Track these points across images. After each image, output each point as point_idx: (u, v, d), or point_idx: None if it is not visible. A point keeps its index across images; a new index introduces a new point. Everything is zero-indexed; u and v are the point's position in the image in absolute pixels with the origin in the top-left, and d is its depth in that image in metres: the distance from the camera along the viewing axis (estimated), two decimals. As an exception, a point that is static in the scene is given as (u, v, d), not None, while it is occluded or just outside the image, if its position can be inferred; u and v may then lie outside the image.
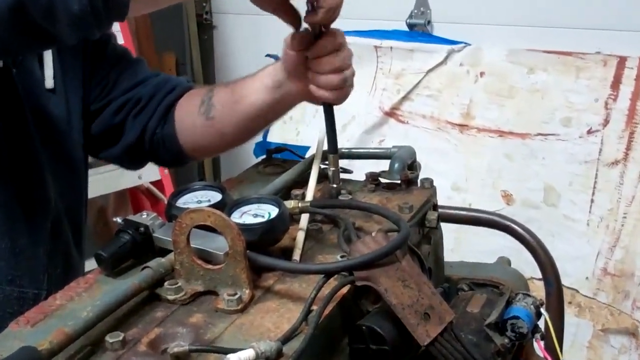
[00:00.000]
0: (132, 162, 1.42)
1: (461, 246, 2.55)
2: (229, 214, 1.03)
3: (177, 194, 1.12)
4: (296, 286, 0.97)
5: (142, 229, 1.03)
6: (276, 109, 1.27)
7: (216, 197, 1.11)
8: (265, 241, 1.01)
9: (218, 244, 0.96)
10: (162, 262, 0.97)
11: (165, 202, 1.11)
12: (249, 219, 1.03)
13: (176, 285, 0.94)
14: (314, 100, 1.23)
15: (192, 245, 0.95)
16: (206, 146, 1.36)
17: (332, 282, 0.93)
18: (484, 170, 2.64)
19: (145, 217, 1.05)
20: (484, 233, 2.33)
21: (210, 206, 1.03)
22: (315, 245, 1.10)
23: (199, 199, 1.11)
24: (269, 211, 1.05)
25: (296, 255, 1.05)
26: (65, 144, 1.31)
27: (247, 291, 0.93)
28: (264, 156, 1.50)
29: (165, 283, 0.95)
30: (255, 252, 0.96)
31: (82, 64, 1.33)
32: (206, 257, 0.97)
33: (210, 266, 0.95)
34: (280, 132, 3.10)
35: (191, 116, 1.32)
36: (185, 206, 1.07)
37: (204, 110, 1.29)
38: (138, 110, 1.33)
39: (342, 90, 1.17)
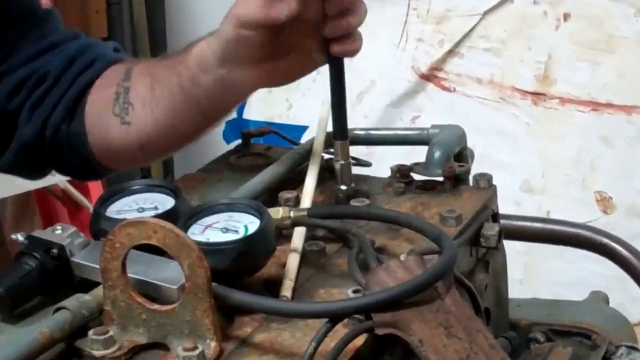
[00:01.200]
0: (30, 168, 1.41)
1: (534, 275, 2.55)
2: (186, 228, 1.03)
3: (109, 198, 1.12)
4: (286, 336, 0.97)
5: (54, 250, 1.03)
6: (219, 107, 1.26)
7: (167, 202, 1.11)
8: (240, 268, 1.01)
9: (169, 274, 0.96)
10: (85, 301, 0.97)
11: (91, 210, 1.11)
12: (215, 236, 1.03)
13: (106, 335, 0.94)
14: (286, 78, 1.22)
15: (129, 275, 0.96)
16: (125, 157, 1.36)
17: (341, 330, 0.93)
18: (569, 162, 2.64)
19: (60, 234, 1.05)
20: (570, 255, 2.31)
21: (157, 216, 1.03)
22: (316, 274, 1.11)
23: (141, 206, 1.11)
24: (246, 224, 1.05)
25: (286, 290, 1.05)
26: None
27: (213, 343, 0.93)
28: (238, 141, 1.50)
29: (90, 332, 0.94)
30: (225, 285, 0.96)
31: None
32: (151, 292, 0.97)
33: (157, 306, 0.95)
34: (262, 105, 3.10)
35: (104, 113, 1.31)
36: (121, 216, 1.08)
37: (118, 110, 1.29)
38: (40, 94, 1.32)
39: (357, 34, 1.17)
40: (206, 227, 1.05)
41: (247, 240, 1.02)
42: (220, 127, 3.65)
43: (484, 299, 1.22)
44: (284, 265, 1.09)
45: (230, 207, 1.07)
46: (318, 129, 1.34)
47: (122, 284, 0.95)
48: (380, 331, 0.93)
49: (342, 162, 1.26)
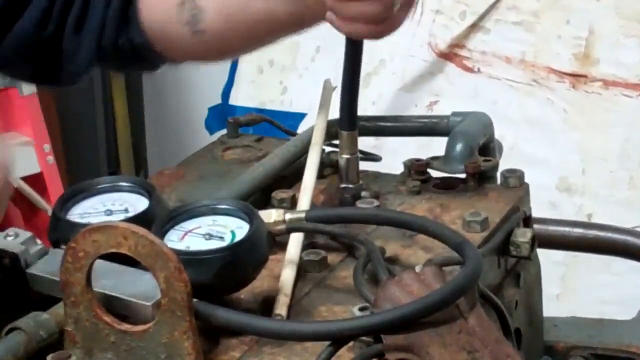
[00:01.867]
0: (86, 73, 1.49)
1: (574, 290, 2.55)
2: (163, 234, 1.03)
3: (70, 198, 1.12)
4: (281, 362, 0.98)
5: (6, 260, 1.03)
6: (297, 22, 1.32)
7: (139, 204, 1.11)
8: (226, 282, 1.01)
9: (142, 288, 0.97)
10: (43, 321, 0.97)
11: (49, 212, 1.11)
12: (197, 243, 1.03)
13: (68, 361, 0.94)
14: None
15: (95, 289, 0.96)
16: (200, 60, 1.48)
17: (346, 355, 0.94)
18: (614, 156, 2.64)
19: (13, 240, 1.05)
20: (616, 267, 2.31)
21: (127, 220, 1.03)
22: (315, 289, 1.11)
23: (109, 208, 1.11)
24: (233, 229, 1.05)
25: (281, 308, 1.05)
26: None
27: (194, 371, 0.94)
28: (224, 131, 1.50)
29: (49, 357, 0.94)
30: (209, 301, 0.96)
31: None
32: (121, 310, 0.97)
33: (128, 326, 0.95)
34: (252, 89, 3.10)
35: (168, 23, 1.37)
36: (85, 220, 1.07)
37: (187, 19, 1.34)
38: (76, 19, 1.37)
39: (388, 21, 1.18)
40: (186, 233, 1.05)
41: (234, 248, 1.02)
42: (203, 114, 3.63)
43: (515, 318, 1.22)
44: (278, 278, 1.09)
45: (215, 210, 1.07)
46: (318, 117, 1.34)
47: (86, 300, 0.95)
48: (391, 356, 0.93)
49: (348, 156, 1.26)
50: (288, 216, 1.14)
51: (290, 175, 1.32)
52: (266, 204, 1.24)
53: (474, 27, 2.78)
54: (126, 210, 1.10)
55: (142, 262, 0.93)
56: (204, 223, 1.06)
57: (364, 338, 0.95)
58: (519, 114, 2.70)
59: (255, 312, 1.03)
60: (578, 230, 1.55)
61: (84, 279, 0.94)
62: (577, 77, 2.68)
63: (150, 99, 3.61)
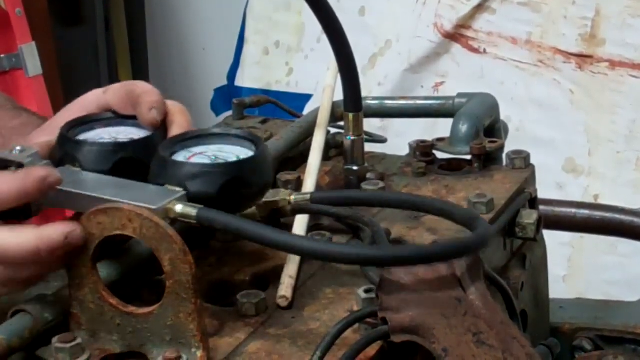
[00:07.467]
0: None
1: (580, 272, 2.55)
2: (171, 153, 1.05)
3: (77, 126, 1.13)
4: (286, 344, 0.98)
5: (13, 169, 1.04)
6: None
7: (143, 134, 1.12)
8: (231, 197, 1.02)
9: (147, 196, 0.98)
10: (48, 302, 0.97)
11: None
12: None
13: (73, 343, 0.93)
14: None
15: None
16: None
17: (351, 337, 0.94)
18: (621, 137, 2.63)
19: (19, 154, 1.06)
20: (623, 248, 2.31)
21: (134, 142, 1.07)
22: (321, 271, 1.11)
23: (115, 137, 1.12)
24: (239, 155, 1.06)
25: (286, 290, 1.05)
26: None
27: (200, 352, 0.93)
28: (229, 112, 1.50)
29: (54, 339, 0.94)
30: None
31: None
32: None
33: (133, 309, 0.95)
34: (258, 70, 3.10)
35: None
36: (96, 140, 1.09)
37: None
38: None
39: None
40: (193, 155, 1.07)
41: (240, 164, 1.04)
42: (207, 94, 3.64)
43: (520, 300, 1.22)
44: (283, 260, 1.09)
45: (222, 138, 1.09)
46: (324, 98, 1.34)
47: (92, 283, 0.95)
48: (397, 338, 0.94)
49: (354, 137, 1.26)
50: (294, 197, 1.14)
51: (296, 157, 1.32)
52: (273, 184, 1.24)
53: (480, 7, 2.78)
54: (132, 139, 1.11)
55: (147, 244, 0.93)
56: (210, 149, 1.08)
57: (371, 319, 0.95)
58: (525, 95, 2.70)
59: (258, 294, 1.03)
60: (584, 212, 1.55)
61: (89, 261, 0.94)
62: (583, 58, 2.67)
63: (157, 80, 3.61)
